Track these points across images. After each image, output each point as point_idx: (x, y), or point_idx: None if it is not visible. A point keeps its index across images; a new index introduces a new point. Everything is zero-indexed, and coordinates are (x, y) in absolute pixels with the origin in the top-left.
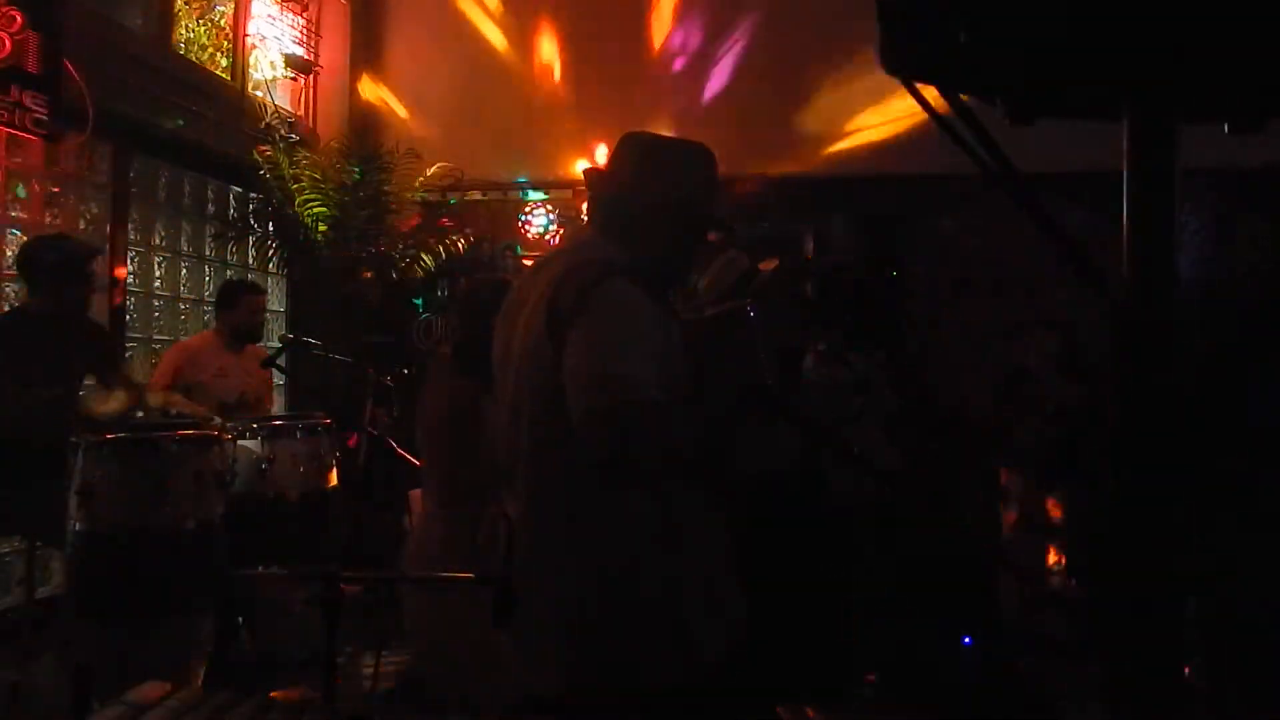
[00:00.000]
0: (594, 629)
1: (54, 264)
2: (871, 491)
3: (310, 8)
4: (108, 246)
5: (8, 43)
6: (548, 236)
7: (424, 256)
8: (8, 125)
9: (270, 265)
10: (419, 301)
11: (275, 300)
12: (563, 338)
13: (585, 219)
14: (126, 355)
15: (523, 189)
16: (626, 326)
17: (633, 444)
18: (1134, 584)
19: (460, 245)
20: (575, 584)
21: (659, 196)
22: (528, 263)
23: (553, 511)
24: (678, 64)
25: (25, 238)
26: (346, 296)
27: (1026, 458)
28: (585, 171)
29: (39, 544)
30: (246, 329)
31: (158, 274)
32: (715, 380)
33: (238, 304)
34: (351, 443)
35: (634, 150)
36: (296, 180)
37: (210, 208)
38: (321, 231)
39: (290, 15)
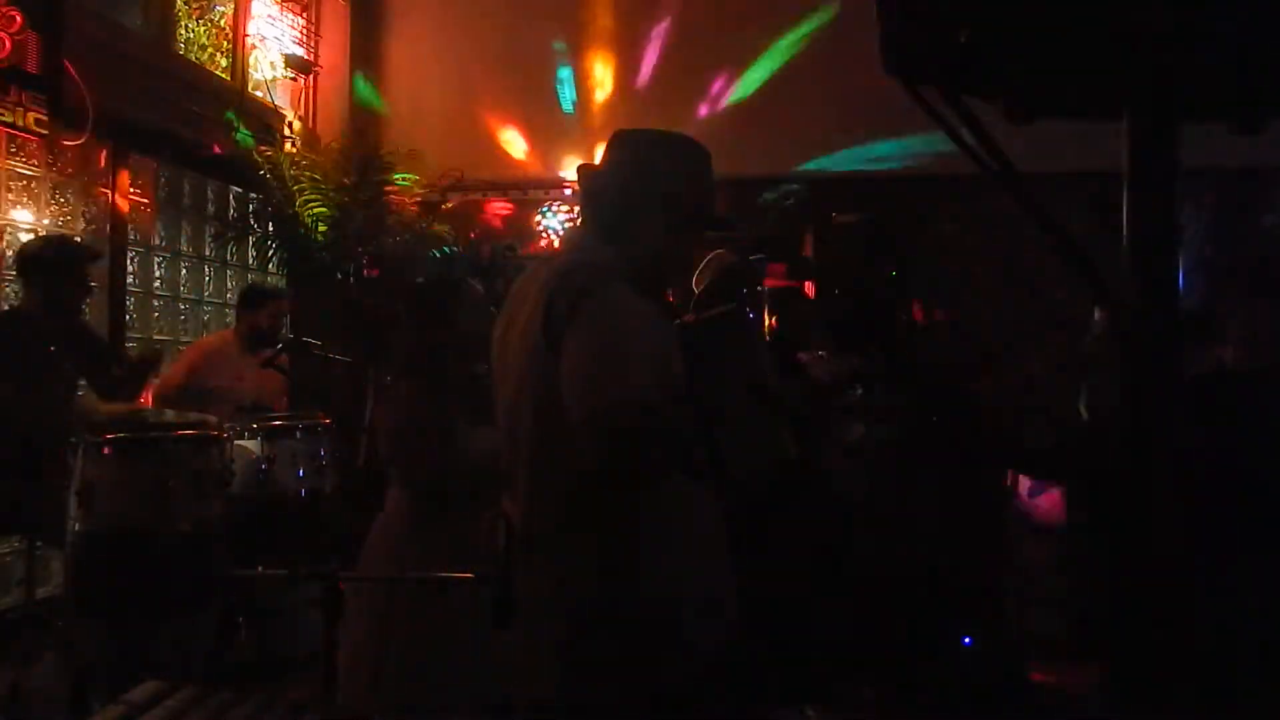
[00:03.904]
0: (592, 630)
1: (50, 264)
2: (870, 489)
3: (310, 8)
4: (108, 246)
5: (8, 43)
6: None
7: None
8: (8, 125)
9: (270, 265)
10: None
11: None
12: (559, 341)
13: (579, 218)
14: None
15: (523, 188)
16: (623, 329)
17: (631, 446)
18: (1134, 584)
19: (460, 245)
20: (573, 585)
21: (654, 193)
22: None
23: (551, 513)
24: (678, 64)
25: (25, 238)
26: (347, 296)
27: (1030, 457)
28: (579, 168)
29: (39, 544)
30: (266, 333)
31: (158, 274)
32: (713, 382)
33: (261, 307)
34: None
35: (627, 147)
36: (296, 180)
37: (210, 208)
38: (321, 231)
39: (290, 15)
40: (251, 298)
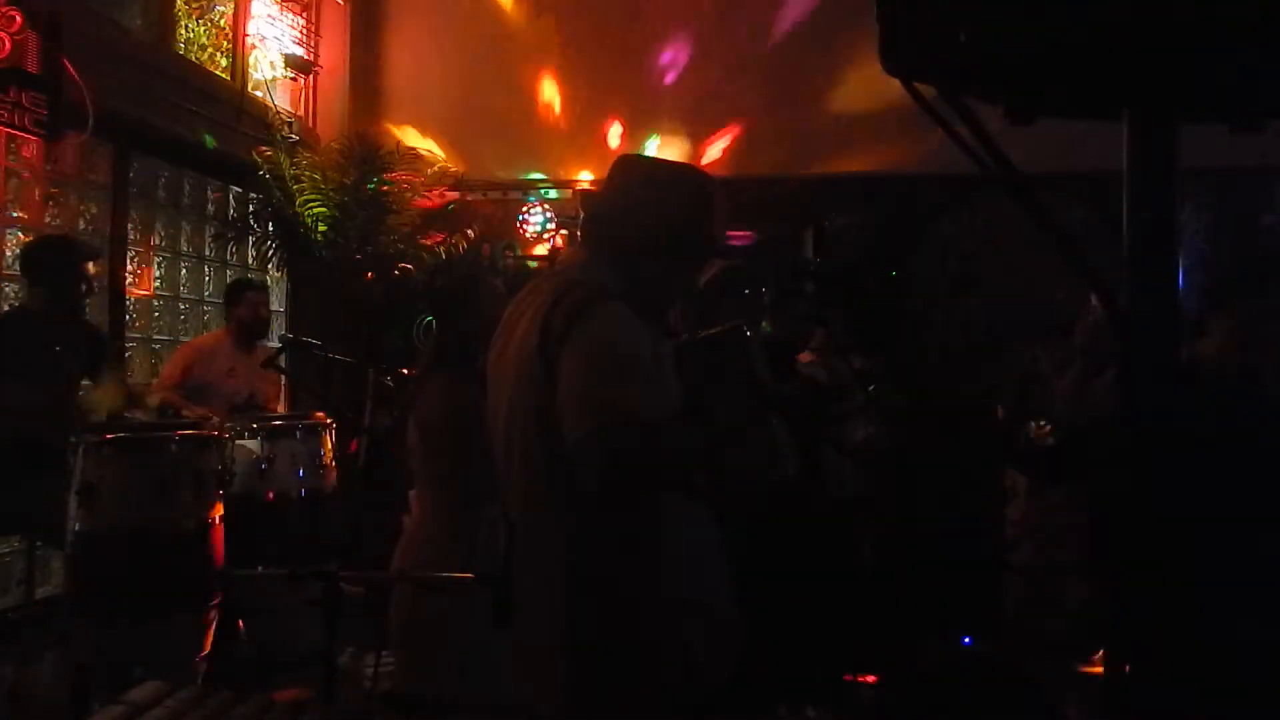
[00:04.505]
0: (590, 645)
1: (55, 263)
2: (869, 490)
3: (310, 8)
4: (107, 246)
5: (8, 43)
6: (546, 236)
7: (424, 256)
8: (8, 125)
9: (270, 265)
10: None
11: (275, 300)
12: (555, 359)
13: (580, 241)
14: (126, 355)
15: (523, 188)
16: (618, 349)
17: (625, 466)
18: (1134, 584)
19: (460, 245)
20: (570, 600)
21: (652, 221)
22: (530, 263)
23: (547, 528)
24: (678, 64)
25: (25, 237)
26: (347, 296)
27: (1030, 457)
28: (580, 193)
29: (39, 544)
30: (251, 325)
31: (158, 274)
32: (711, 400)
33: (241, 301)
34: (352, 448)
35: (628, 174)
36: (296, 180)
37: (210, 208)
38: (321, 231)
39: (290, 15)
40: (231, 293)
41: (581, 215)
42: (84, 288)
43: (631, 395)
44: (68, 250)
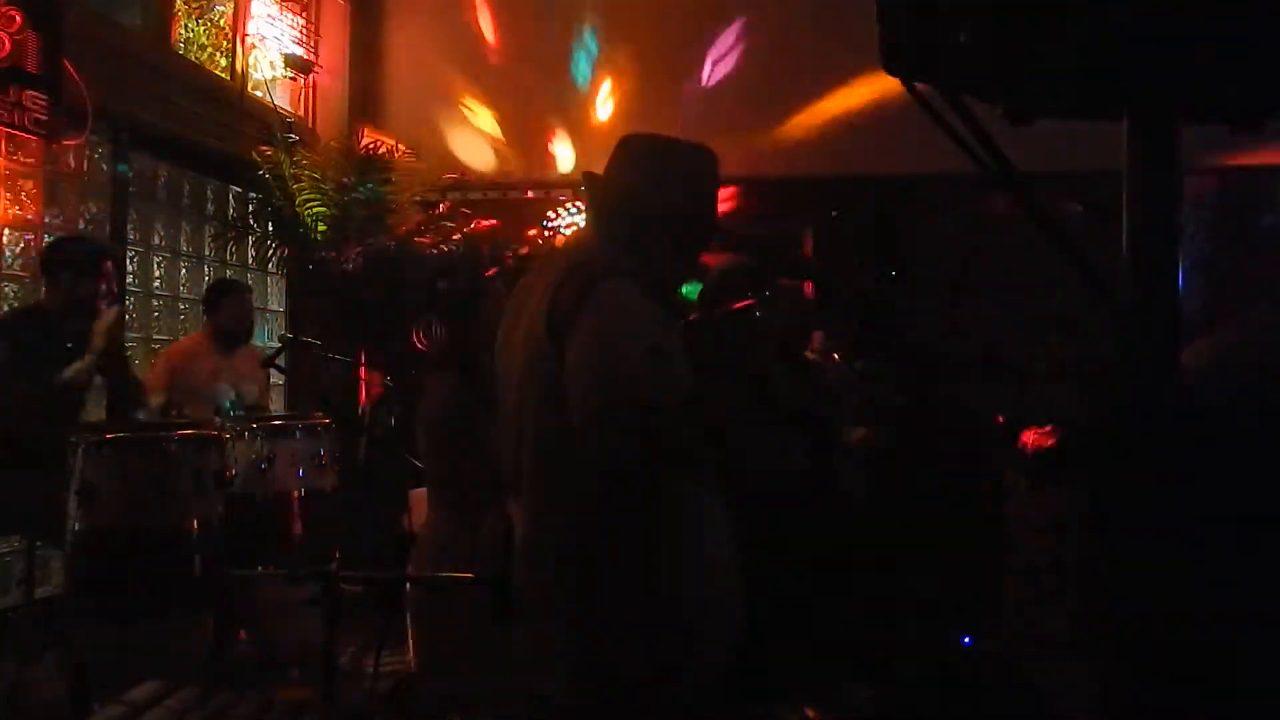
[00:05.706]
0: (598, 632)
1: (75, 263)
2: (869, 490)
3: (310, 7)
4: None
5: (7, 43)
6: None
7: (422, 255)
8: (8, 125)
9: (270, 265)
10: None
11: (275, 300)
12: (563, 339)
13: (585, 222)
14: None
15: (524, 188)
16: (626, 326)
17: (635, 444)
18: (1133, 584)
19: (459, 246)
20: (579, 586)
21: (659, 199)
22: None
23: (557, 513)
24: (677, 64)
25: (25, 237)
26: (346, 296)
27: (1030, 457)
28: (585, 174)
29: (39, 544)
30: (234, 329)
31: (157, 274)
32: (722, 381)
33: (220, 306)
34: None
35: (634, 153)
36: (296, 180)
37: (210, 208)
38: (321, 231)
39: (290, 15)
40: (211, 296)
41: (587, 196)
42: (103, 288)
43: (640, 372)
44: (89, 251)
